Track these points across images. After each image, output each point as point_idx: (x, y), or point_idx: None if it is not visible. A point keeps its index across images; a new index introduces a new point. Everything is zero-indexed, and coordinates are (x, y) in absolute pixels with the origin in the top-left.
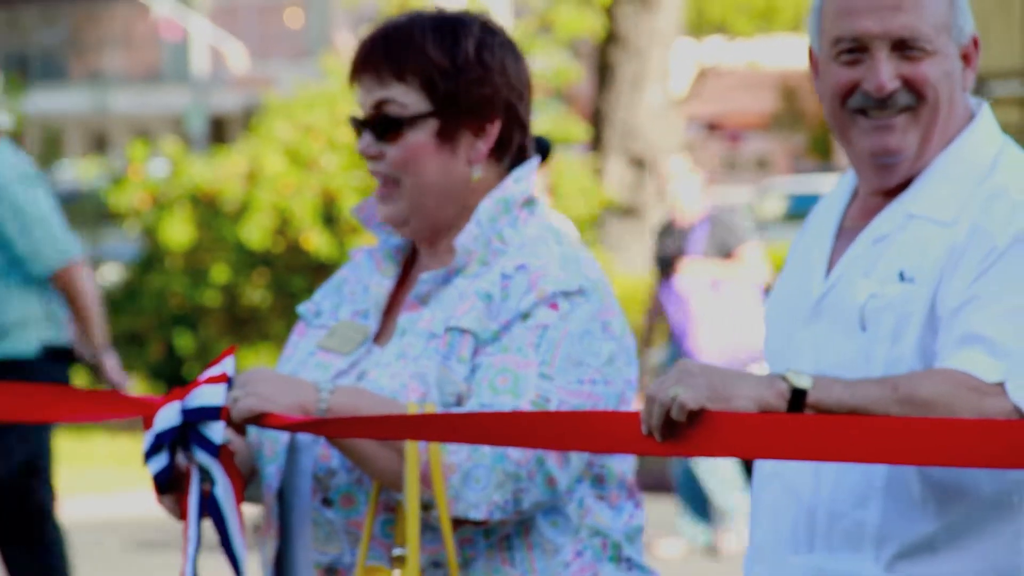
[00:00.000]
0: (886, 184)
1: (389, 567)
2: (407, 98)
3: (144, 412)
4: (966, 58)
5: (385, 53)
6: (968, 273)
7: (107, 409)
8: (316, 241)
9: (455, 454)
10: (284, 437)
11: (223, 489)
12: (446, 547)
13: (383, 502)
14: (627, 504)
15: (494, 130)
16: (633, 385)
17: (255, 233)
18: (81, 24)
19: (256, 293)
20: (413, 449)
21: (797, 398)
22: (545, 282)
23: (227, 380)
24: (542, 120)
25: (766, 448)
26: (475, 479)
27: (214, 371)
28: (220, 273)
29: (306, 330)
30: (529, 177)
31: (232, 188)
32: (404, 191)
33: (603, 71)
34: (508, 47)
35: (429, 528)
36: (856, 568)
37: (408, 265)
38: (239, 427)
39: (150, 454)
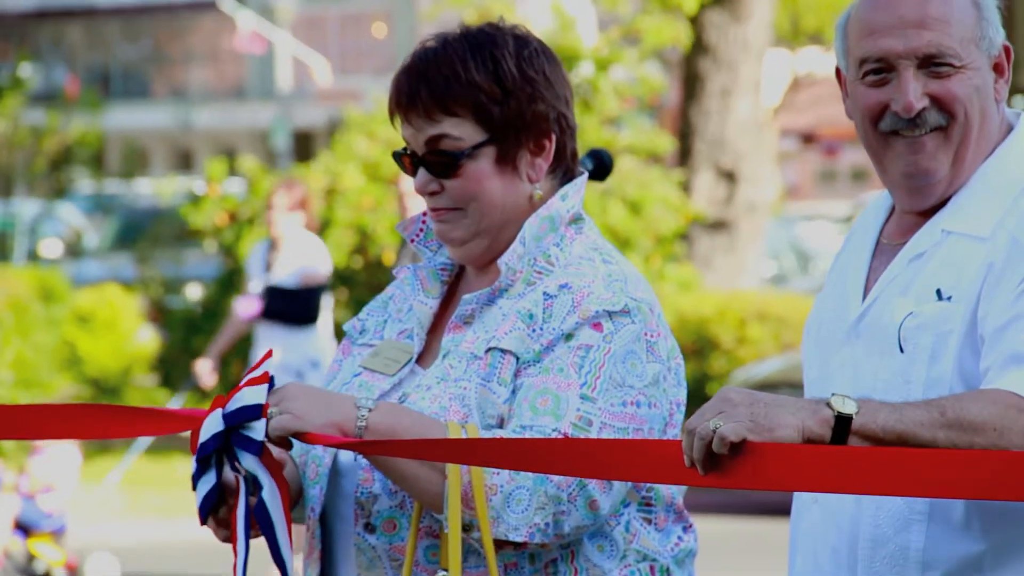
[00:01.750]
0: (921, 206)
1: None
2: (461, 130)
3: (191, 426)
4: (998, 69)
5: (429, 89)
6: (1010, 289)
7: (157, 424)
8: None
9: (497, 475)
10: (327, 459)
11: (269, 494)
12: (490, 571)
13: (425, 528)
14: (675, 527)
15: (551, 145)
16: (682, 407)
17: (334, 250)
18: (164, 39)
19: (336, 311)
20: (455, 470)
21: (842, 424)
22: (589, 302)
23: (269, 380)
24: (628, 132)
25: (813, 481)
26: (516, 500)
27: (255, 374)
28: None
29: (351, 348)
30: (577, 194)
31: (311, 204)
32: (467, 219)
33: (691, 82)
34: (545, 54)
35: (473, 552)
36: None
37: (454, 284)
38: (280, 444)
39: (197, 475)
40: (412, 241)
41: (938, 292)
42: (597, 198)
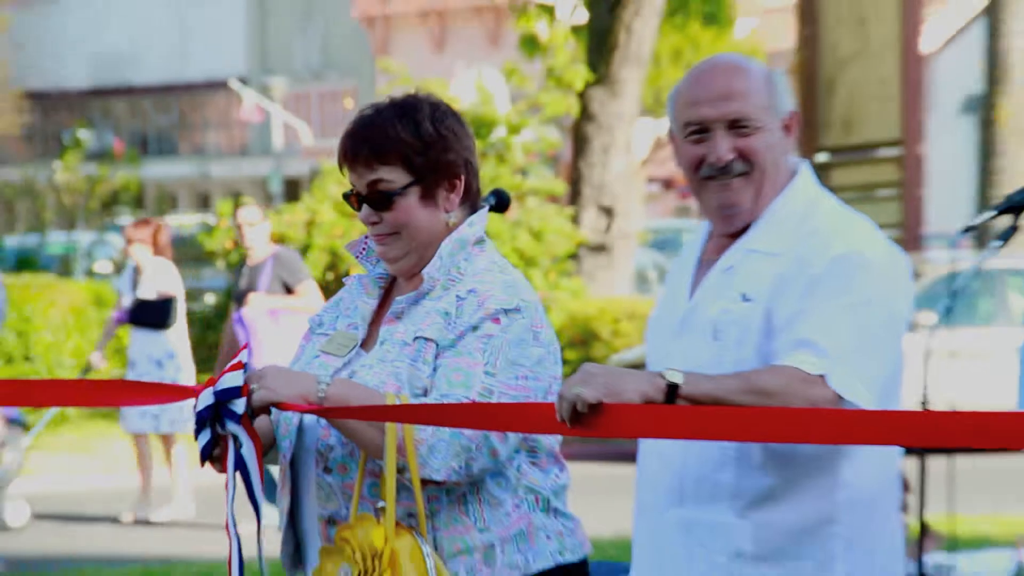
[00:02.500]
0: (730, 230)
1: (376, 516)
2: (392, 175)
3: (190, 395)
4: (787, 129)
5: (368, 145)
6: (795, 293)
7: (166, 394)
8: (359, 273)
9: (423, 431)
10: (295, 419)
11: (247, 449)
12: (416, 502)
13: (369, 469)
14: (553, 468)
15: (461, 183)
16: (559, 380)
17: (313, 268)
18: (187, 110)
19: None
20: (392, 428)
21: (672, 391)
22: (490, 302)
23: (243, 367)
24: (533, 179)
25: (650, 431)
26: (437, 450)
27: (233, 362)
28: None
29: (311, 337)
30: (480, 222)
31: (296, 233)
32: (401, 241)
33: (579, 142)
34: (454, 116)
35: (404, 488)
36: (717, 517)
37: (388, 289)
38: (259, 412)
39: (197, 432)
40: (357, 257)
41: (743, 295)
42: (509, 227)
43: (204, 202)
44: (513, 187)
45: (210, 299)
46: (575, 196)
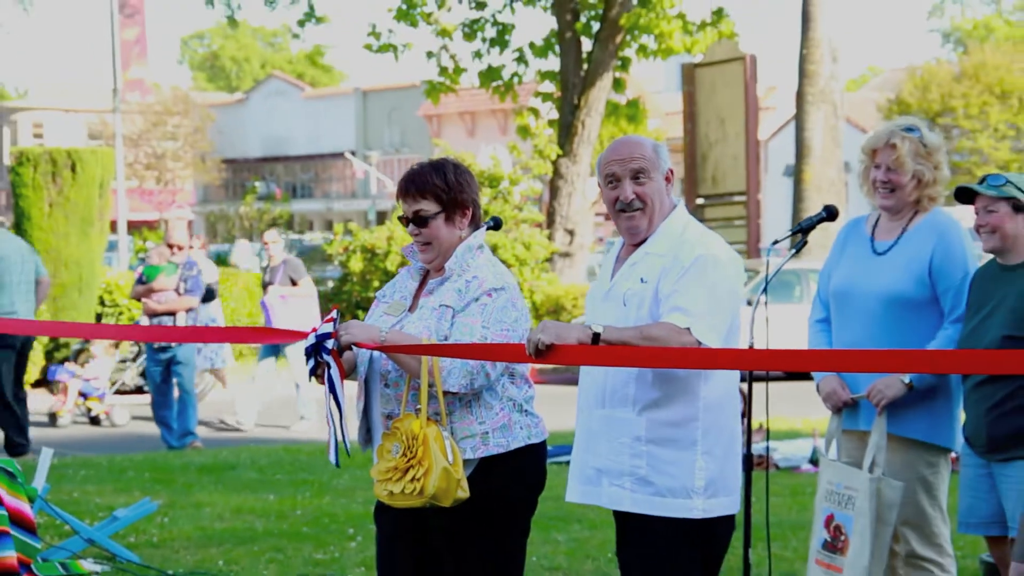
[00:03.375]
0: (634, 242)
1: (415, 415)
2: (428, 206)
3: (303, 337)
4: (667, 180)
5: (415, 186)
6: (672, 277)
7: (290, 336)
8: (407, 266)
9: (443, 361)
10: (368, 353)
11: (334, 371)
12: (440, 405)
13: (412, 385)
14: (524, 385)
15: (470, 212)
16: (527, 333)
17: (391, 264)
18: (319, 170)
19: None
20: (424, 359)
21: (596, 337)
22: (486, 284)
23: (333, 320)
24: (524, 213)
25: (583, 361)
26: (453, 373)
27: (327, 317)
28: (377, 285)
29: (378, 304)
30: (481, 235)
31: (382, 244)
32: (432, 249)
33: (554, 190)
34: (467, 171)
35: (433, 397)
36: (623, 415)
37: (425, 275)
38: (344, 349)
39: (307, 360)
40: (407, 256)
41: (641, 279)
42: (510, 242)
43: (328, 226)
44: (511, 216)
45: (330, 283)
46: (551, 223)
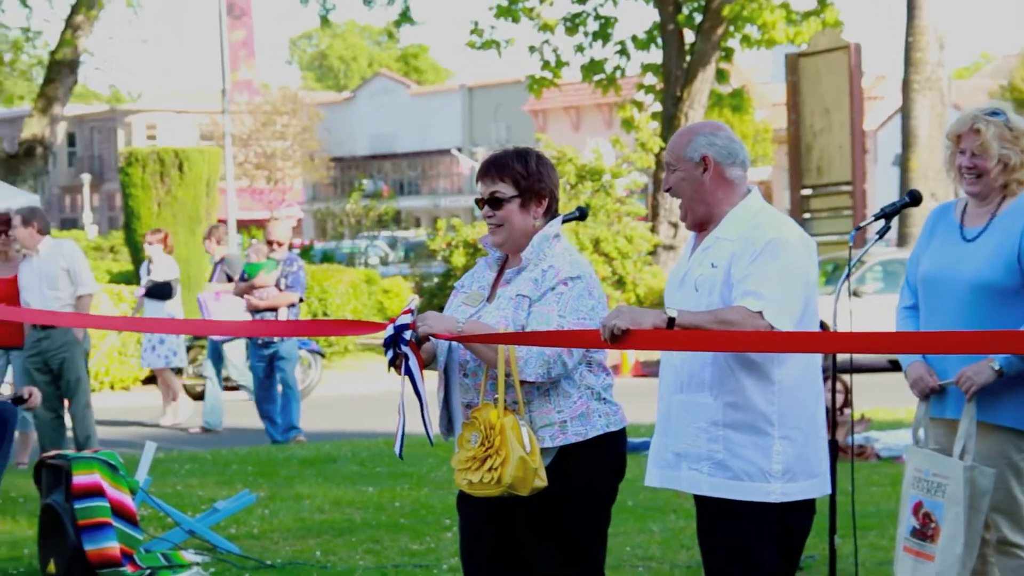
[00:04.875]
0: (691, 230)
1: (494, 404)
2: (506, 189)
3: (381, 328)
4: (703, 169)
5: (495, 168)
6: (743, 262)
7: (368, 328)
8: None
9: (520, 350)
10: (446, 343)
11: (413, 362)
12: (517, 394)
13: (490, 375)
14: (602, 373)
15: (546, 202)
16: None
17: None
18: (427, 167)
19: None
20: (501, 349)
21: (671, 322)
22: (562, 273)
23: (411, 311)
24: (628, 205)
25: (658, 345)
26: (530, 362)
27: (405, 308)
28: None
29: (457, 294)
30: (557, 224)
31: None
32: (503, 231)
33: (656, 183)
34: (548, 163)
35: (511, 386)
36: (702, 400)
37: (503, 266)
38: (423, 340)
39: (386, 350)
40: (485, 247)
41: (712, 264)
42: (612, 235)
43: (435, 222)
44: (613, 210)
45: (435, 280)
46: (655, 215)
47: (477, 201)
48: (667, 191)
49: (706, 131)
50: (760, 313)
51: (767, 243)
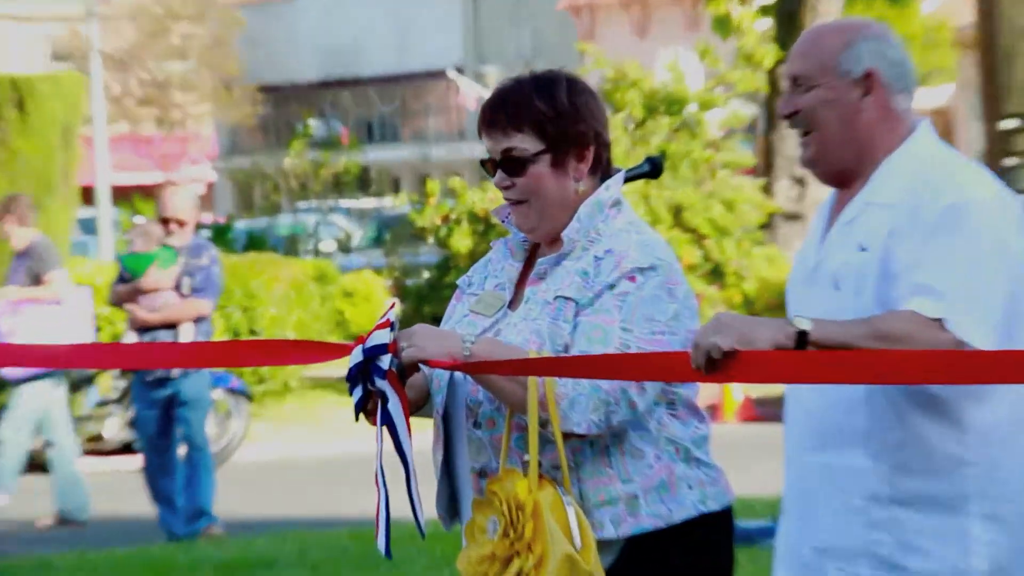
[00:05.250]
0: (824, 183)
1: (522, 470)
2: (526, 143)
3: (343, 353)
4: (866, 88)
5: (505, 112)
6: (910, 241)
7: (320, 353)
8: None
9: (563, 386)
10: (446, 375)
11: (393, 404)
12: (559, 456)
13: (516, 423)
14: (693, 419)
15: (590, 154)
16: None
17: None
18: (408, 98)
19: None
20: (533, 383)
21: (802, 337)
22: (626, 262)
23: (390, 324)
24: (727, 153)
25: (781, 376)
26: (578, 404)
27: (381, 320)
28: None
29: (461, 296)
30: (616, 185)
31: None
32: (532, 208)
33: (771, 116)
34: (589, 92)
35: (549, 441)
36: (854, 463)
37: (532, 251)
38: (410, 369)
39: (351, 388)
40: (503, 222)
41: (860, 246)
42: (702, 198)
43: (422, 184)
44: (704, 160)
45: (425, 274)
46: (768, 168)
47: (483, 163)
48: (788, 117)
49: (871, 34)
50: (940, 321)
51: (946, 209)
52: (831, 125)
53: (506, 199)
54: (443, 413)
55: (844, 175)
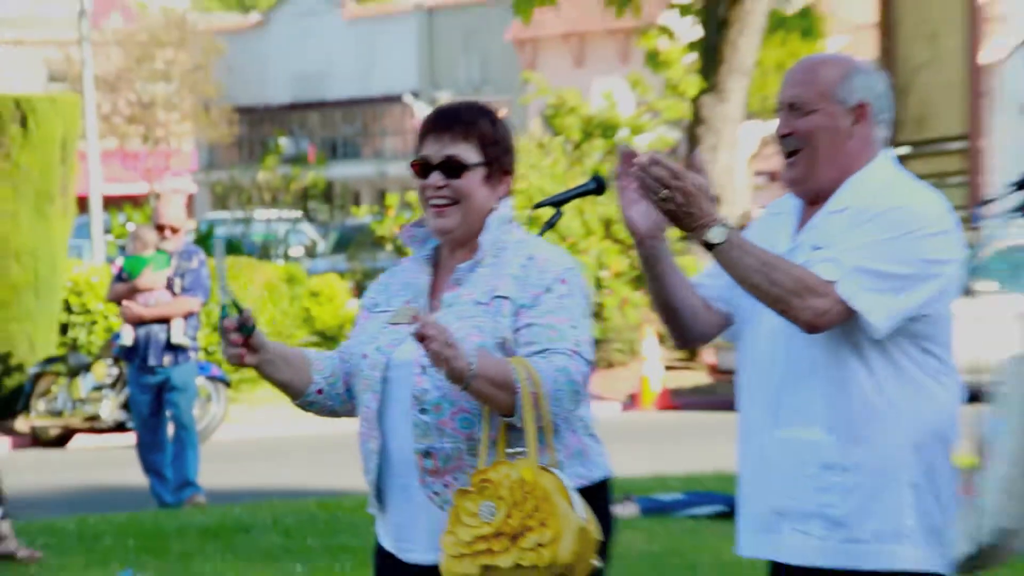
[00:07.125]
0: (800, 198)
1: (465, 447)
2: (469, 153)
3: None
4: (857, 117)
5: (458, 122)
6: (847, 229)
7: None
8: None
9: (545, 383)
10: (377, 374)
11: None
12: (547, 439)
13: (460, 407)
14: (587, 403)
15: (510, 180)
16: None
17: None
18: (369, 120)
19: None
20: (524, 378)
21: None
22: (552, 265)
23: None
24: None
25: None
26: (559, 393)
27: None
28: None
29: (369, 315)
30: (509, 206)
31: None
32: (459, 209)
33: (691, 140)
34: (509, 129)
35: (517, 430)
36: (811, 436)
37: (436, 264)
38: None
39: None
40: (406, 243)
41: (813, 247)
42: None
43: (382, 197)
44: None
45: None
46: None
47: (415, 165)
48: (784, 137)
49: (867, 69)
50: (831, 283)
51: (887, 209)
52: (823, 147)
53: (432, 203)
54: (377, 408)
55: (822, 193)
